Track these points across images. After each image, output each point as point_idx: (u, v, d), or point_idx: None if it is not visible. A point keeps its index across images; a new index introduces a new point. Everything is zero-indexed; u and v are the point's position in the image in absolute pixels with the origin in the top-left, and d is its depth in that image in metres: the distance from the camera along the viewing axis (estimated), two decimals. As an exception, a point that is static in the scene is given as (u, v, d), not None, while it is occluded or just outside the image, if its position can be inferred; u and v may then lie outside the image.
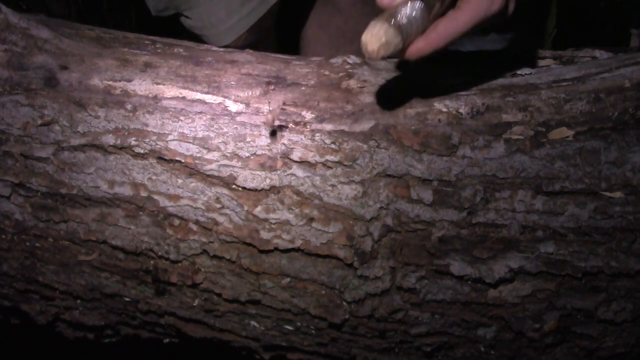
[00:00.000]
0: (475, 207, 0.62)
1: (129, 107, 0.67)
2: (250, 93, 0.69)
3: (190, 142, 0.65)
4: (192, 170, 0.65)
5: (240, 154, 0.65)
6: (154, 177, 0.65)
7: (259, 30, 0.99)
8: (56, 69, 0.69)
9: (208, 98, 0.68)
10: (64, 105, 0.67)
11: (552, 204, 0.62)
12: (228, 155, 0.65)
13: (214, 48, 0.79)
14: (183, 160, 0.65)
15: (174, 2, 0.96)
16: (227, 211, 0.64)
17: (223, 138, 0.65)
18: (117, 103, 0.67)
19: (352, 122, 0.65)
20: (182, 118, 0.67)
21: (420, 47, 0.57)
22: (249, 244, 0.64)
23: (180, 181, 0.65)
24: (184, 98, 0.68)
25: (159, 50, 0.74)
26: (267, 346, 0.69)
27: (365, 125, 0.65)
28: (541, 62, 0.72)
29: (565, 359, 0.64)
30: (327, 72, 0.71)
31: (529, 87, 0.67)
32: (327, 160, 0.64)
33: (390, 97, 0.67)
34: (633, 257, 0.61)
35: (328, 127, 0.65)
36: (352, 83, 0.69)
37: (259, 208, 0.64)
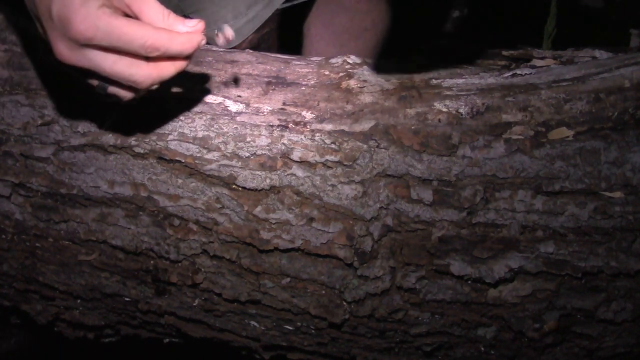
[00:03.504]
0: (475, 207, 0.62)
1: (129, 107, 0.67)
2: (250, 93, 0.69)
3: (190, 142, 0.65)
4: (192, 170, 0.65)
5: (240, 154, 0.65)
6: (154, 177, 0.65)
7: (263, 33, 0.99)
8: (56, 69, 0.69)
9: (208, 98, 0.68)
10: (64, 105, 0.67)
11: (552, 204, 0.62)
12: (228, 155, 0.65)
13: (214, 48, 0.79)
14: (183, 160, 0.65)
15: (181, 6, 0.96)
16: (227, 211, 0.64)
17: (223, 138, 0.65)
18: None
19: (352, 122, 0.65)
20: (182, 118, 0.67)
21: None
22: (249, 244, 0.64)
23: (180, 181, 0.65)
24: (184, 98, 0.68)
25: (159, 50, 0.74)
26: (267, 346, 0.69)
27: (365, 125, 0.65)
28: (541, 62, 0.72)
29: (565, 359, 0.64)
30: (327, 72, 0.71)
31: (529, 87, 0.67)
32: (327, 160, 0.64)
33: (390, 97, 0.67)
34: (633, 257, 0.61)
35: (328, 127, 0.65)
36: (352, 83, 0.69)
37: (259, 208, 0.64)
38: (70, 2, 0.51)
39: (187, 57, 0.57)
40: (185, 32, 0.55)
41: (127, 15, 0.55)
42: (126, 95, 0.57)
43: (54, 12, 0.52)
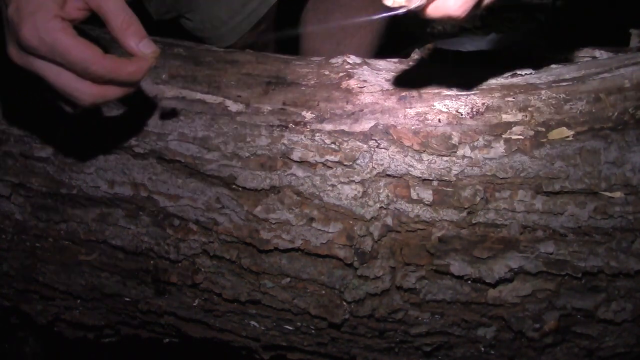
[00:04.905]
0: (475, 207, 0.62)
1: (129, 107, 0.67)
2: (250, 93, 0.69)
3: (190, 142, 0.65)
4: (192, 170, 0.65)
5: (240, 154, 0.65)
6: (154, 177, 0.65)
7: (259, 30, 0.99)
8: (56, 69, 0.69)
9: (208, 98, 0.68)
10: (64, 105, 0.67)
11: (552, 204, 0.62)
12: (228, 155, 0.65)
13: (214, 48, 0.79)
14: (183, 160, 0.65)
15: (176, 6, 0.96)
16: (227, 211, 0.64)
17: (223, 138, 0.65)
18: (116, 103, 0.67)
19: (352, 122, 0.65)
20: (182, 118, 0.67)
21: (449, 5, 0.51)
22: (249, 244, 0.64)
23: (180, 181, 0.65)
24: (184, 98, 0.68)
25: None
26: (267, 346, 0.69)
27: (365, 125, 0.65)
28: (541, 62, 0.72)
29: (565, 359, 0.64)
30: (327, 72, 0.71)
31: (529, 87, 0.67)
32: (327, 160, 0.64)
33: (390, 97, 0.67)
34: (633, 257, 0.61)
35: (328, 127, 0.65)
36: (352, 83, 0.69)
37: (259, 208, 0.64)
38: (22, 8, 0.50)
39: (135, 83, 0.55)
40: (135, 61, 0.53)
41: (89, 10, 0.53)
42: (67, 108, 0.55)
43: (8, 13, 0.51)
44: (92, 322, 0.71)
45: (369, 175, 0.63)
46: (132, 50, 0.54)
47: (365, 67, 0.71)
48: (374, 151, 0.64)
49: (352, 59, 0.73)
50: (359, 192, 0.63)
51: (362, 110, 0.66)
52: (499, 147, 0.63)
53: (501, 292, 0.62)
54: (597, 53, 0.73)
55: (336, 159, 0.64)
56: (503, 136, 0.63)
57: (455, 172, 0.63)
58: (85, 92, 0.53)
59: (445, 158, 0.63)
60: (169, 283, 0.66)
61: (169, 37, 0.79)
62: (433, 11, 0.52)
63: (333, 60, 0.73)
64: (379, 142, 0.64)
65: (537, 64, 0.71)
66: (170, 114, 0.66)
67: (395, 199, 0.63)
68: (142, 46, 0.54)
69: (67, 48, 0.51)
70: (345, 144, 0.64)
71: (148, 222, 0.65)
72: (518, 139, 0.63)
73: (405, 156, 0.63)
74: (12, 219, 0.67)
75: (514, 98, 0.65)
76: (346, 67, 0.72)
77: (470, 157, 0.63)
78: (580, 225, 0.61)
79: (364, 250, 0.62)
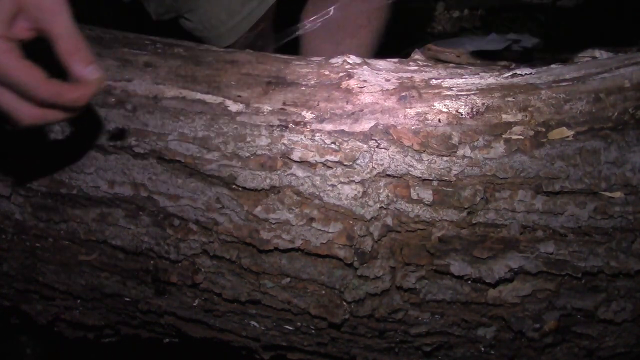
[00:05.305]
0: (475, 207, 0.62)
1: (129, 107, 0.67)
2: (250, 93, 0.69)
3: (190, 142, 0.65)
4: (192, 170, 0.65)
5: (240, 154, 0.65)
6: (154, 177, 0.65)
7: (258, 30, 0.99)
8: (56, 69, 0.69)
9: (208, 98, 0.68)
10: (64, 105, 0.67)
11: (552, 204, 0.62)
12: (228, 155, 0.65)
13: (214, 48, 0.79)
14: (183, 160, 0.65)
15: (175, 6, 0.96)
16: (227, 211, 0.64)
17: (223, 138, 0.65)
18: (117, 103, 0.67)
19: (352, 122, 0.65)
20: (182, 118, 0.67)
21: None
22: (249, 244, 0.64)
23: (180, 181, 0.65)
24: (184, 98, 0.68)
25: (159, 50, 0.74)
26: (267, 346, 0.69)
27: (365, 125, 0.65)
28: (541, 62, 0.72)
29: (565, 359, 0.64)
30: (327, 72, 0.71)
31: (529, 87, 0.67)
32: (327, 160, 0.64)
33: (390, 97, 0.67)
34: (633, 257, 0.61)
35: (328, 127, 0.65)
36: (352, 83, 0.69)
37: (259, 208, 0.64)
38: None
39: (79, 108, 0.54)
40: (79, 87, 0.53)
41: (38, 30, 0.53)
42: (6, 126, 0.55)
43: None
44: (92, 322, 0.71)
45: (369, 175, 0.63)
46: (77, 76, 0.53)
47: (365, 67, 0.71)
48: (374, 151, 0.64)
49: (352, 59, 0.73)
50: (359, 192, 0.63)
51: (362, 110, 0.66)
52: (499, 147, 0.63)
53: (501, 292, 0.62)
54: (597, 53, 0.73)
55: (336, 159, 0.64)
56: (503, 136, 0.63)
57: (455, 172, 0.63)
58: (26, 113, 0.53)
59: (445, 158, 0.63)
60: (169, 283, 0.66)
61: (169, 37, 0.79)
62: None
63: (333, 60, 0.73)
64: (379, 142, 0.64)
65: (537, 64, 0.71)
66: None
67: (395, 199, 0.63)
68: (88, 72, 0.53)
69: (9, 70, 0.51)
70: (345, 144, 0.64)
71: (148, 222, 0.65)
72: (518, 139, 0.63)
73: (405, 156, 0.63)
74: (12, 219, 0.67)
75: (514, 98, 0.65)
76: (346, 67, 0.72)
77: (470, 157, 0.63)
78: (580, 225, 0.61)
79: (364, 250, 0.62)
